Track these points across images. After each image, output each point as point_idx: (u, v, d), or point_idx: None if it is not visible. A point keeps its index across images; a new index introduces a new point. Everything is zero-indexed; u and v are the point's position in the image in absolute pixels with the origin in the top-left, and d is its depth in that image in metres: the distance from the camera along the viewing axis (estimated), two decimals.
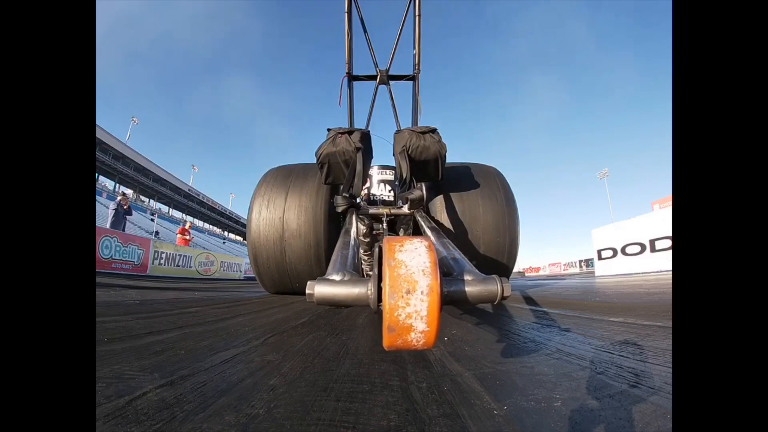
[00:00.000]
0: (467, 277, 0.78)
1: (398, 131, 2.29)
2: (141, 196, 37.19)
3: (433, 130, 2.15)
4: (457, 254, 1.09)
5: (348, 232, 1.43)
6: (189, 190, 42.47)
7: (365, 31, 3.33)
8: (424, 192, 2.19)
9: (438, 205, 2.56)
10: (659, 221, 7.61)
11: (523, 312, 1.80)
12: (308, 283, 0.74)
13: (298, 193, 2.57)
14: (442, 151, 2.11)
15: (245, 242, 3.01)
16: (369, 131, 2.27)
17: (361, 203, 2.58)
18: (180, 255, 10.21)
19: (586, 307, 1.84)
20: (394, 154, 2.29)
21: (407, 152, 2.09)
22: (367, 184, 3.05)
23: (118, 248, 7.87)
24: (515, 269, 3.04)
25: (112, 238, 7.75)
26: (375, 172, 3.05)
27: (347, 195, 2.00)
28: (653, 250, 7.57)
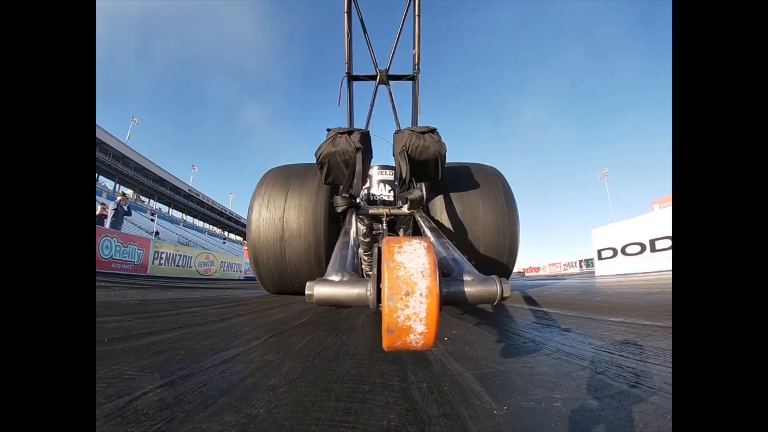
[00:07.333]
0: (467, 278, 0.78)
1: (398, 131, 2.29)
2: (141, 196, 37.17)
3: (433, 130, 2.15)
4: (457, 254, 1.09)
5: (348, 232, 1.43)
6: (189, 190, 42.45)
7: (365, 31, 3.33)
8: (424, 192, 2.18)
9: (438, 205, 2.56)
10: (659, 221, 7.62)
11: (523, 312, 1.80)
12: (308, 283, 0.74)
13: (298, 193, 2.57)
14: (441, 151, 2.11)
15: (245, 242, 3.01)
16: (369, 131, 2.27)
17: (361, 203, 2.58)
18: (180, 255, 10.23)
19: (587, 307, 1.84)
20: (394, 154, 2.28)
21: (407, 152, 2.09)
22: (367, 184, 3.05)
23: (118, 248, 7.87)
24: (515, 269, 3.04)
25: (112, 238, 7.75)
26: (375, 172, 3.05)
27: (347, 195, 2.00)
28: (653, 250, 7.57)
